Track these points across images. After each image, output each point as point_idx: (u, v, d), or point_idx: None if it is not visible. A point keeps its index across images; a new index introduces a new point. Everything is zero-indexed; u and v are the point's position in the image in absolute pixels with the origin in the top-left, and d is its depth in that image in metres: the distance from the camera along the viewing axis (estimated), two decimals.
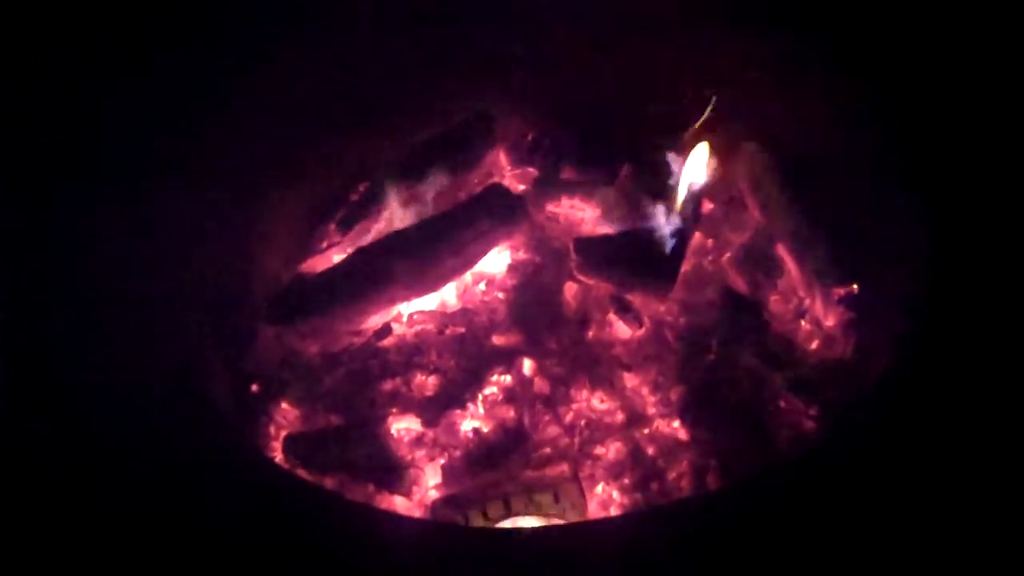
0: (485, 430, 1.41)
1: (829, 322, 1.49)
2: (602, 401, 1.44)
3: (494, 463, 1.37)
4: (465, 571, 1.00)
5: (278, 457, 1.39)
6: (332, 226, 1.68)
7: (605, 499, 1.34)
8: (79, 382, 1.16)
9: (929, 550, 1.00)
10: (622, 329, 1.52)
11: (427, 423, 1.42)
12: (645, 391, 1.46)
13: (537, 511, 1.26)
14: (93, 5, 1.52)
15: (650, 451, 1.39)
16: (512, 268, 1.64)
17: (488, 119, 1.76)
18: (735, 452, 1.35)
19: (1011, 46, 1.41)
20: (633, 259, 1.54)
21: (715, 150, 1.60)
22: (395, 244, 1.53)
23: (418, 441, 1.41)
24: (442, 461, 1.38)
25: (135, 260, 1.32)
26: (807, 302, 1.54)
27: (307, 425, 1.45)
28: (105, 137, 1.40)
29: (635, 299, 1.55)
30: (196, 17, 1.53)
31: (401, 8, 1.67)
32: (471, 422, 1.43)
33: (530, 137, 1.85)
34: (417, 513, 1.32)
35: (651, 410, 1.44)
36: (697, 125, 1.65)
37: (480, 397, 1.45)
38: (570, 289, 1.58)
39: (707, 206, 1.68)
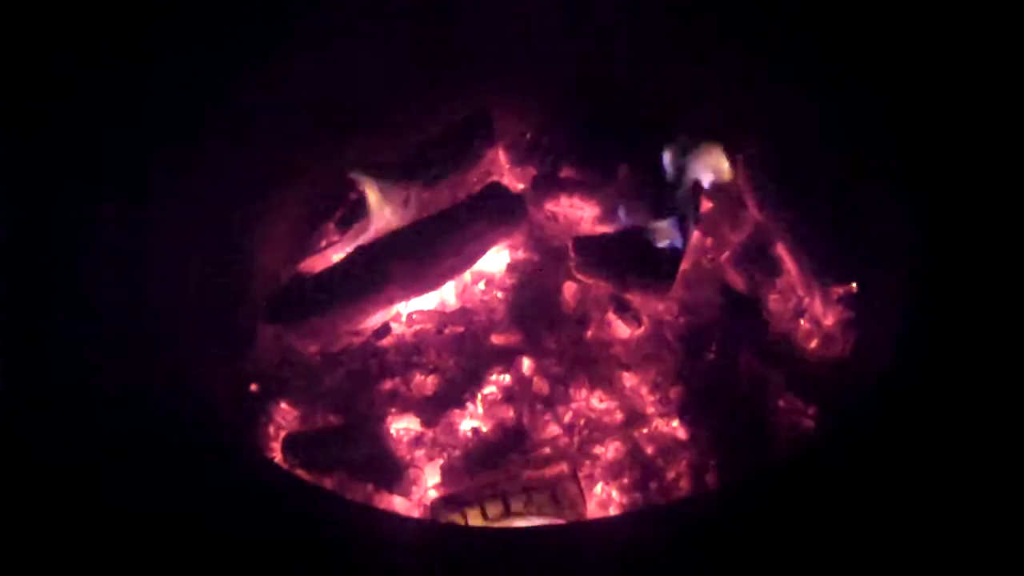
0: (484, 430, 1.42)
1: (828, 321, 1.49)
2: (601, 400, 1.44)
3: (493, 463, 1.37)
4: (464, 571, 1.01)
5: (277, 457, 1.39)
6: (331, 226, 1.69)
7: (604, 499, 1.35)
8: (79, 382, 1.16)
9: (929, 549, 1.00)
10: (621, 328, 1.52)
11: (426, 423, 1.42)
12: (644, 390, 1.46)
13: (536, 511, 1.26)
14: (93, 5, 1.52)
15: (649, 450, 1.39)
16: (511, 267, 1.64)
17: (487, 119, 1.76)
18: (734, 451, 1.36)
19: (1010, 45, 1.41)
20: (632, 258, 1.54)
21: (719, 150, 1.61)
22: (394, 243, 1.53)
23: (417, 441, 1.41)
24: (441, 461, 1.39)
25: (135, 260, 1.32)
26: (806, 301, 1.54)
27: (306, 425, 1.45)
28: (105, 137, 1.40)
29: (634, 298, 1.55)
30: (196, 17, 1.53)
31: (401, 8, 1.67)
32: (470, 422, 1.43)
33: (529, 136, 1.85)
34: (416, 513, 1.32)
35: (650, 409, 1.44)
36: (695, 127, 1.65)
37: (479, 397, 1.45)
38: (569, 288, 1.58)
39: (706, 205, 1.68)
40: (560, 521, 1.25)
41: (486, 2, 1.70)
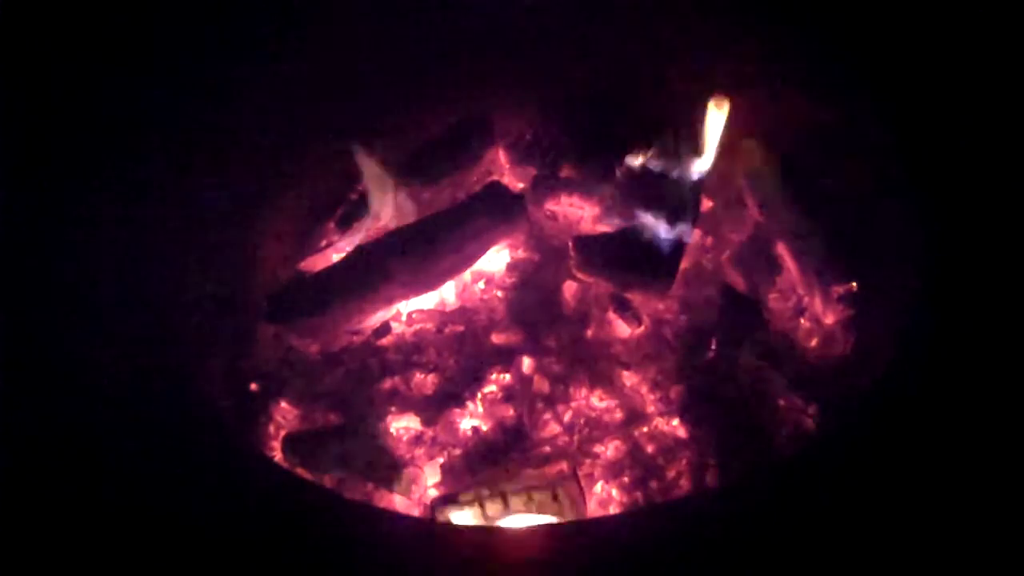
0: (484, 428, 1.42)
1: (828, 320, 1.49)
2: (601, 399, 1.44)
3: (493, 461, 1.37)
4: (464, 570, 1.00)
5: (277, 456, 1.39)
6: (331, 225, 1.69)
7: (604, 497, 1.35)
8: (79, 382, 1.17)
9: (928, 548, 1.00)
10: (621, 327, 1.52)
11: (426, 422, 1.42)
12: (644, 389, 1.46)
13: (536, 510, 1.26)
14: (93, 5, 1.52)
15: (649, 449, 1.39)
16: (511, 267, 1.64)
17: (487, 119, 1.76)
18: (734, 450, 1.36)
19: (1010, 45, 1.41)
20: (632, 257, 1.54)
21: (718, 148, 1.61)
22: (394, 243, 1.53)
23: (417, 440, 1.41)
24: (441, 460, 1.39)
25: (135, 260, 1.32)
26: (806, 300, 1.54)
27: (306, 424, 1.45)
28: (105, 137, 1.40)
29: (634, 297, 1.55)
30: (197, 17, 1.53)
31: (401, 9, 1.67)
32: (470, 420, 1.43)
33: (529, 136, 1.85)
34: (416, 512, 1.32)
35: (650, 408, 1.44)
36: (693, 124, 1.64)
37: (479, 396, 1.45)
38: (569, 287, 1.58)
39: (706, 204, 1.68)
40: (560, 520, 1.25)
41: (486, 3, 1.70)
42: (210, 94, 1.51)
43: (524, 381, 1.46)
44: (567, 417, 1.42)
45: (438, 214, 1.59)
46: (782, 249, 1.59)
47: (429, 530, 1.16)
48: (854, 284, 1.48)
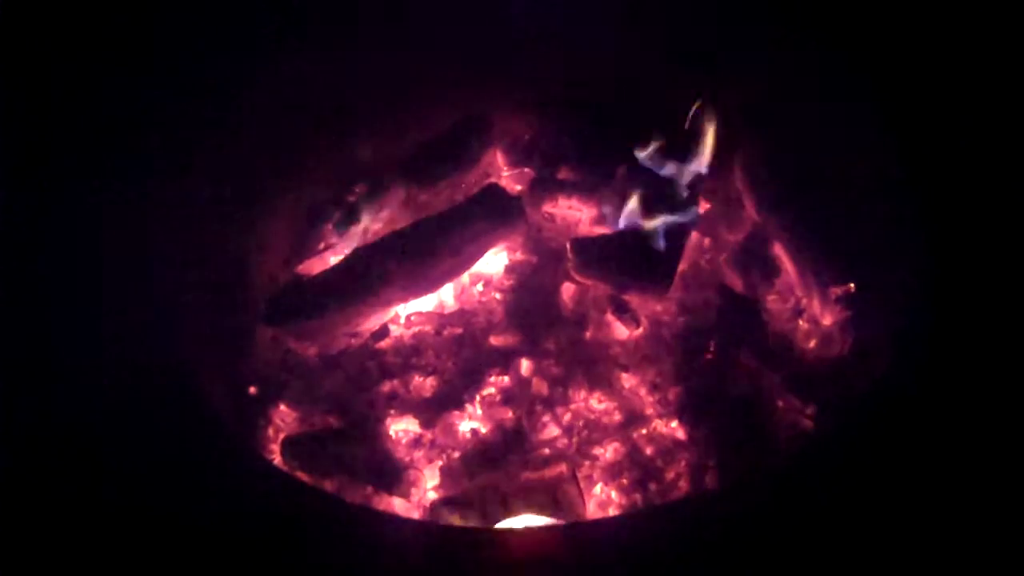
0: (483, 431, 1.42)
1: (826, 321, 1.49)
2: (600, 401, 1.44)
3: (492, 464, 1.37)
4: (464, 572, 1.00)
5: (276, 459, 1.39)
6: (329, 227, 1.69)
7: (603, 499, 1.35)
8: (78, 384, 1.16)
9: (928, 548, 1.00)
10: (620, 329, 1.53)
11: (425, 424, 1.42)
12: (643, 391, 1.46)
13: (535, 512, 1.26)
14: (93, 5, 1.52)
15: (648, 451, 1.39)
16: (509, 269, 1.64)
17: (485, 120, 1.76)
18: (733, 452, 1.36)
19: (1010, 45, 1.41)
20: (630, 259, 1.54)
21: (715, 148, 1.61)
22: (392, 245, 1.53)
23: (416, 442, 1.41)
24: (440, 462, 1.39)
25: (134, 261, 1.31)
26: (804, 301, 1.54)
27: (305, 427, 1.45)
28: (105, 138, 1.40)
29: (632, 299, 1.55)
30: (197, 18, 1.53)
31: (400, 10, 1.67)
32: (469, 423, 1.43)
33: (527, 137, 1.85)
34: (416, 514, 1.32)
35: (649, 410, 1.44)
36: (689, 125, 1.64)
37: (478, 398, 1.45)
38: (567, 289, 1.58)
39: (704, 205, 1.68)
40: (559, 522, 1.25)
41: (485, 4, 1.70)
42: (210, 94, 1.51)
43: (523, 383, 1.46)
44: (566, 419, 1.42)
45: (436, 216, 1.59)
46: (780, 250, 1.59)
47: (428, 532, 1.16)
48: (852, 285, 1.48)
